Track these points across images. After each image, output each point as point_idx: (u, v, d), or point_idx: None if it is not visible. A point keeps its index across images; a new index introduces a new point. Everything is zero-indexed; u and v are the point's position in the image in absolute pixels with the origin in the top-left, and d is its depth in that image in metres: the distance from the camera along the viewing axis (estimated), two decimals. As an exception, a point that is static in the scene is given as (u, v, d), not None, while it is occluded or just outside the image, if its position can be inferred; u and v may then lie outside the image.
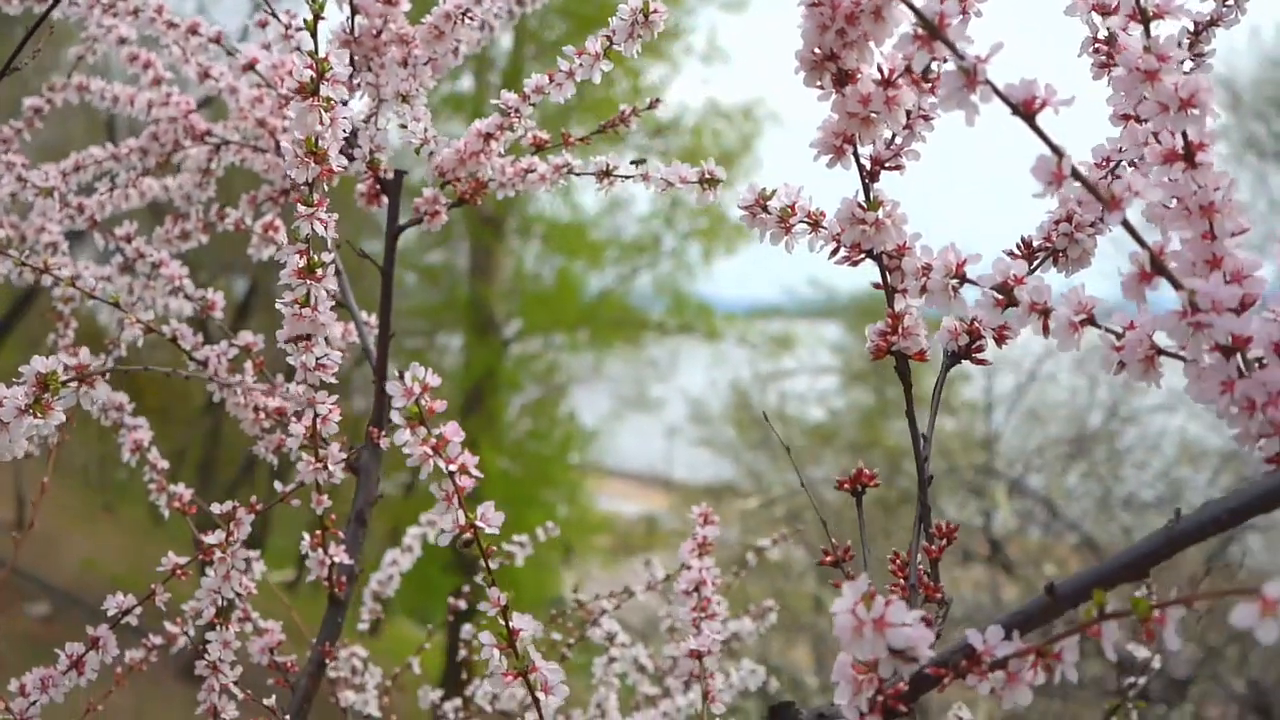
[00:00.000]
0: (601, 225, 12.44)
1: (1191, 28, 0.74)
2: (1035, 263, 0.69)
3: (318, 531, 0.96)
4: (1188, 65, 0.73)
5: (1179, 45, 0.73)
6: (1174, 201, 0.56)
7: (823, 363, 9.63)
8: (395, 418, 0.61)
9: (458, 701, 1.35)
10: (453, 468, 0.62)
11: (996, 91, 0.50)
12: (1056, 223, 0.69)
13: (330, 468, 0.90)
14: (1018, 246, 0.69)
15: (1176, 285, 0.51)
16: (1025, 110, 0.51)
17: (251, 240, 1.20)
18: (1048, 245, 0.69)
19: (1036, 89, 0.51)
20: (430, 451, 0.62)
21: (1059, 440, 6.68)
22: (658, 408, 12.37)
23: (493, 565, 0.67)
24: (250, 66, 1.05)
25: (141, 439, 1.11)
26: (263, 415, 1.03)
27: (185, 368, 1.10)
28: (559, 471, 11.11)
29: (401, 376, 0.61)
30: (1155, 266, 0.52)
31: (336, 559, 0.97)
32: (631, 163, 0.91)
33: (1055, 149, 0.51)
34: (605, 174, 0.95)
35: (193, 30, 1.11)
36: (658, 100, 1.02)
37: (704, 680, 0.94)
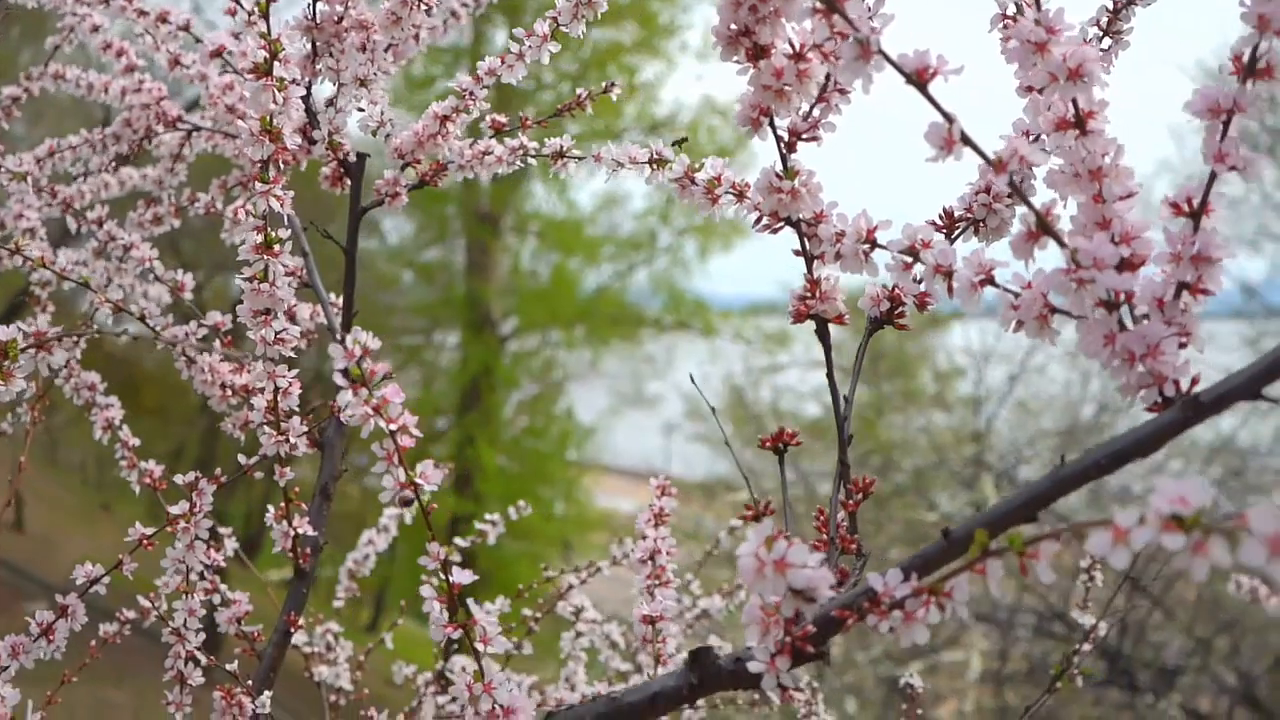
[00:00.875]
0: (597, 222, 12.47)
1: (1111, 5, 0.77)
2: (956, 232, 0.72)
3: (282, 504, 0.99)
4: (1106, 43, 0.75)
5: (1097, 24, 0.76)
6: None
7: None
8: (338, 378, 0.64)
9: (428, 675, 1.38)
10: (394, 427, 0.65)
11: (890, 61, 0.53)
12: (976, 193, 0.72)
13: (293, 440, 0.93)
14: (939, 216, 0.72)
15: (1061, 244, 0.54)
16: (918, 79, 0.54)
17: (224, 225, 1.23)
18: (968, 215, 0.72)
19: (929, 59, 0.54)
20: (371, 412, 0.65)
21: (1050, 433, 6.71)
22: (654, 404, 12.40)
23: (464, 544, 0.70)
24: (218, 53, 1.08)
25: (112, 417, 1.13)
26: (229, 392, 1.06)
27: (154, 346, 1.12)
28: (556, 468, 11.14)
29: (343, 341, 0.64)
30: (1041, 226, 0.55)
31: (300, 531, 1.00)
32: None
33: (946, 116, 0.54)
34: (559, 155, 0.98)
35: (162, 19, 1.13)
36: (613, 84, 1.05)
37: (655, 645, 0.97)
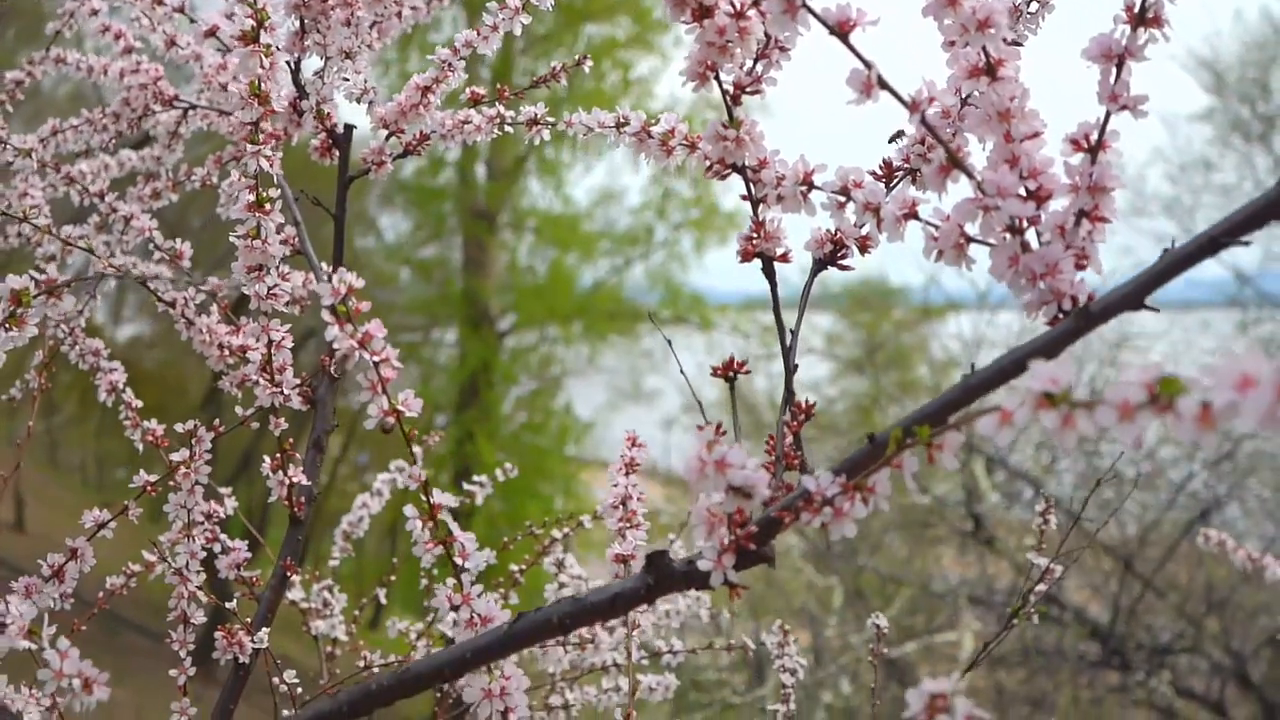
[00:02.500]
0: (594, 217, 12.53)
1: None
2: (895, 180, 0.78)
3: (277, 455, 1.05)
4: (1033, 6, 0.81)
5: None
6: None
7: (813, 345, 9.72)
8: (326, 314, 0.70)
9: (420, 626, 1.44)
10: (377, 359, 0.72)
11: (813, 14, 0.59)
12: (913, 144, 0.78)
13: (286, 391, 0.99)
14: (879, 166, 0.78)
15: (970, 176, 0.60)
16: (841, 30, 0.60)
17: (219, 199, 1.29)
18: (906, 165, 0.78)
19: (849, 13, 0.60)
20: (356, 345, 0.71)
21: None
22: (652, 399, 12.46)
23: (453, 504, 0.76)
24: (211, 33, 1.14)
25: (116, 380, 1.19)
26: (226, 352, 1.12)
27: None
28: (555, 464, 11.20)
29: (330, 279, 0.70)
30: (952, 160, 0.61)
31: (295, 480, 1.06)
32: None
33: (866, 63, 0.60)
34: (534, 122, 1.04)
35: (158, 1, 1.19)
36: (585, 57, 1.11)
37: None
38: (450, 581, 0.75)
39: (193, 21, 1.18)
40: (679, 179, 11.87)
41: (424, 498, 0.74)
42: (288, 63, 0.99)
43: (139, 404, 1.20)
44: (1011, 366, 0.58)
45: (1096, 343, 8.06)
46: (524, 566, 1.41)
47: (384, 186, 10.59)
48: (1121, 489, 6.75)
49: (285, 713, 1.05)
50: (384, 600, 1.50)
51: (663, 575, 0.66)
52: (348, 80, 1.01)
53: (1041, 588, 1.16)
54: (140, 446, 1.17)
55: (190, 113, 1.29)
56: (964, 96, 0.68)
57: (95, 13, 1.29)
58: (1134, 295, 0.56)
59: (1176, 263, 0.55)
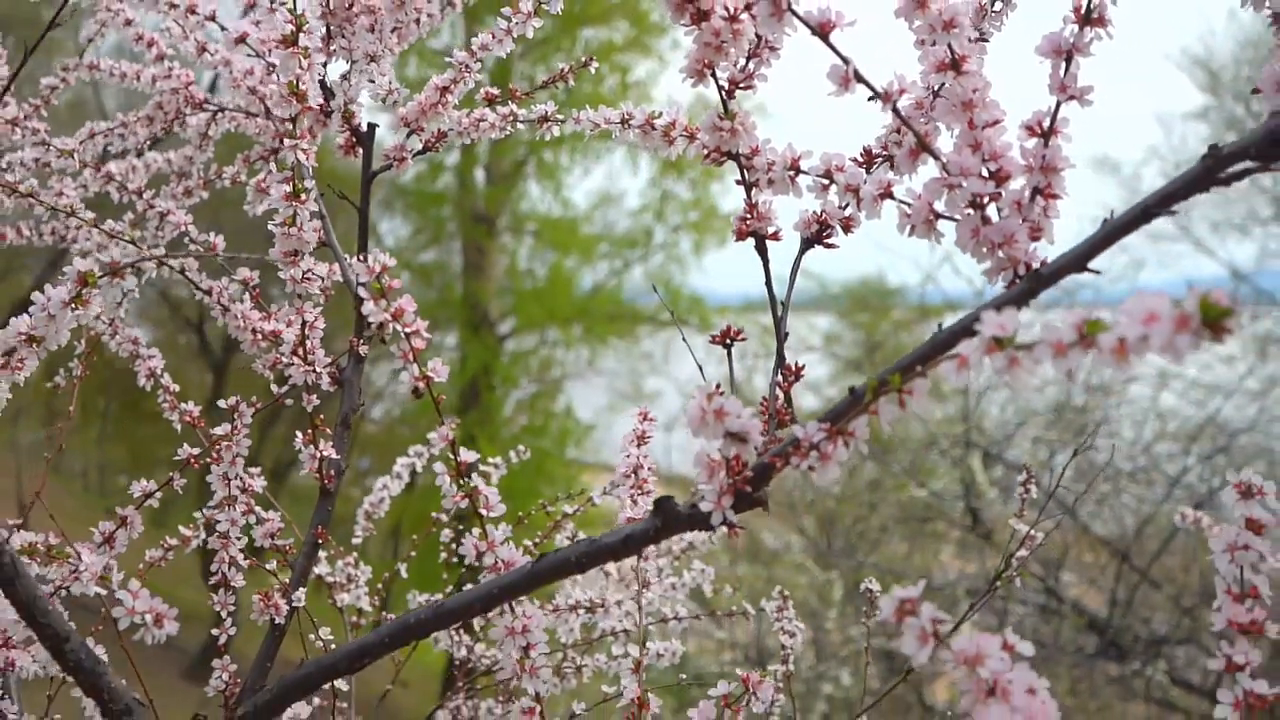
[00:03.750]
0: (593, 220, 12.62)
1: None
2: (874, 165, 0.86)
3: (309, 430, 1.13)
4: (997, 5, 0.90)
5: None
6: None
7: (812, 343, 9.81)
8: (362, 290, 0.78)
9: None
10: (409, 330, 0.80)
11: (798, 16, 0.67)
12: (889, 133, 0.86)
13: (318, 370, 1.08)
14: (861, 153, 0.86)
15: (937, 158, 0.69)
16: (822, 31, 0.68)
17: (247, 195, 1.37)
18: (884, 152, 0.86)
19: (829, 15, 0.68)
20: (390, 318, 0.80)
21: (1038, 413, 6.85)
22: (653, 400, 12.54)
23: (476, 474, 0.84)
24: (241, 39, 1.22)
25: (155, 366, 1.28)
26: (259, 336, 1.20)
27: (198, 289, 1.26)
28: (556, 466, 11.26)
29: (364, 258, 0.78)
30: (920, 145, 0.69)
31: (326, 454, 1.14)
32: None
33: (844, 59, 0.68)
34: (545, 119, 1.12)
35: (191, 10, 1.27)
36: (591, 59, 1.19)
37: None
38: (476, 531, 0.83)
39: (224, 29, 1.26)
40: (677, 181, 11.94)
41: (452, 456, 0.82)
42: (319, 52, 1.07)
43: (175, 388, 1.29)
44: (971, 322, 0.66)
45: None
46: (538, 541, 1.49)
47: (384, 192, 10.67)
48: (1118, 483, 6.84)
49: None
50: (404, 574, 1.58)
51: (669, 517, 0.74)
52: (373, 82, 1.10)
53: (1023, 553, 1.24)
54: (178, 427, 1.25)
55: (219, 115, 1.38)
56: (934, 89, 0.76)
57: (129, 23, 1.37)
58: (1078, 260, 0.64)
59: (1115, 230, 0.63)
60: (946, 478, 6.19)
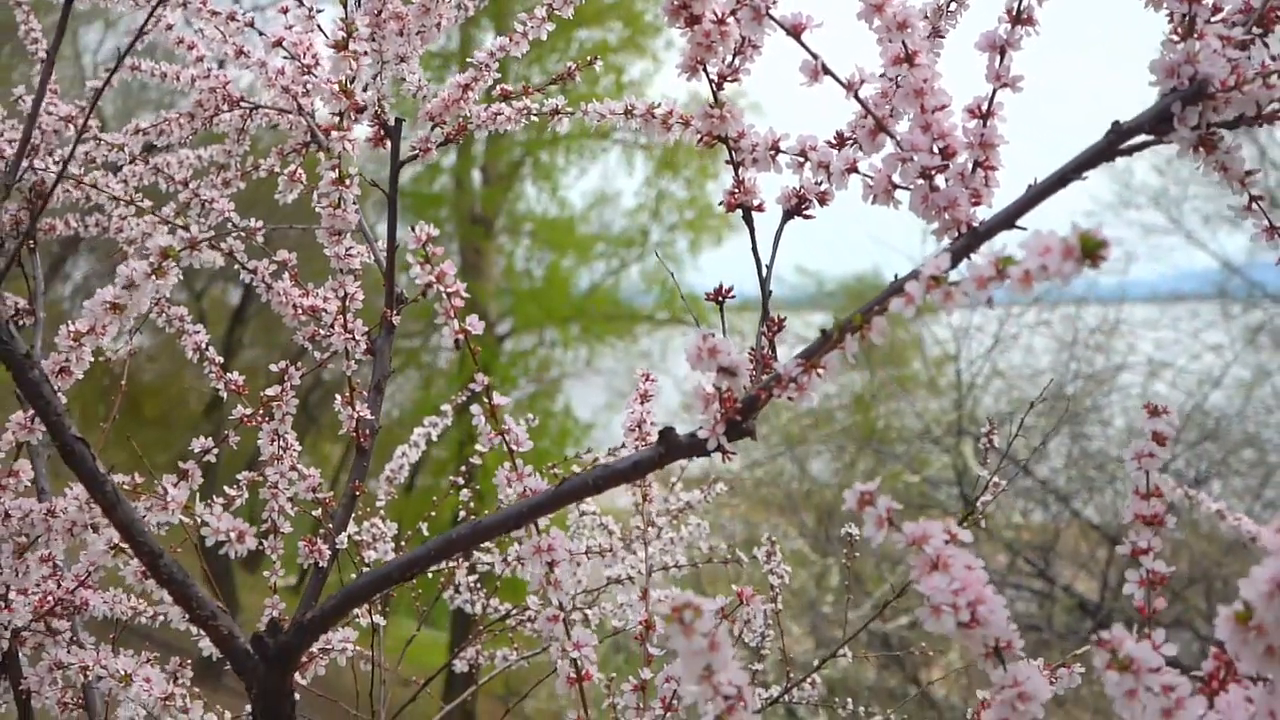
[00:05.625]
0: (589, 220, 12.74)
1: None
2: (845, 146, 0.99)
3: (347, 393, 1.27)
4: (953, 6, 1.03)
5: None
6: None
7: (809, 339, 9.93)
8: (410, 256, 0.92)
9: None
10: (450, 290, 0.93)
11: (774, 20, 0.81)
12: (857, 118, 0.99)
13: (356, 337, 1.21)
14: (834, 136, 1.00)
15: (892, 137, 0.82)
16: (795, 31, 0.81)
17: (279, 185, 1.51)
18: (853, 134, 0.99)
19: (801, 18, 0.81)
20: (434, 280, 0.93)
21: (1029, 399, 7.00)
22: (651, 399, 12.63)
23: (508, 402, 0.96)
24: (278, 43, 1.35)
25: (200, 340, 1.41)
26: (299, 311, 1.33)
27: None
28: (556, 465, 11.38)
29: (412, 228, 0.92)
30: (878, 126, 0.83)
31: (361, 414, 1.28)
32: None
33: (814, 55, 0.82)
34: (555, 113, 1.26)
35: (230, 17, 1.41)
36: (595, 58, 1.32)
37: (643, 488, 1.25)
38: (506, 464, 0.97)
39: (261, 35, 1.40)
40: (673, 180, 12.07)
41: (487, 400, 0.96)
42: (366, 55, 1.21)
43: (219, 359, 1.42)
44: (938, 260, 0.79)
45: (1084, 332, 8.30)
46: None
47: (379, 194, 10.80)
48: (1107, 469, 6.99)
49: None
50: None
51: (671, 445, 0.88)
52: (404, 81, 1.23)
53: (987, 497, 1.37)
54: (224, 395, 1.38)
55: (254, 112, 1.51)
56: (894, 79, 0.89)
57: (171, 27, 1.50)
58: (1007, 219, 0.78)
59: (1037, 194, 0.77)
60: (939, 465, 6.34)
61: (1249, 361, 8.25)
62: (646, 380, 1.28)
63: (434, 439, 1.79)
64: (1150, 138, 0.75)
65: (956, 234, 0.81)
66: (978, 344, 7.82)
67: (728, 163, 0.95)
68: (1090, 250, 0.58)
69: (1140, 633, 0.77)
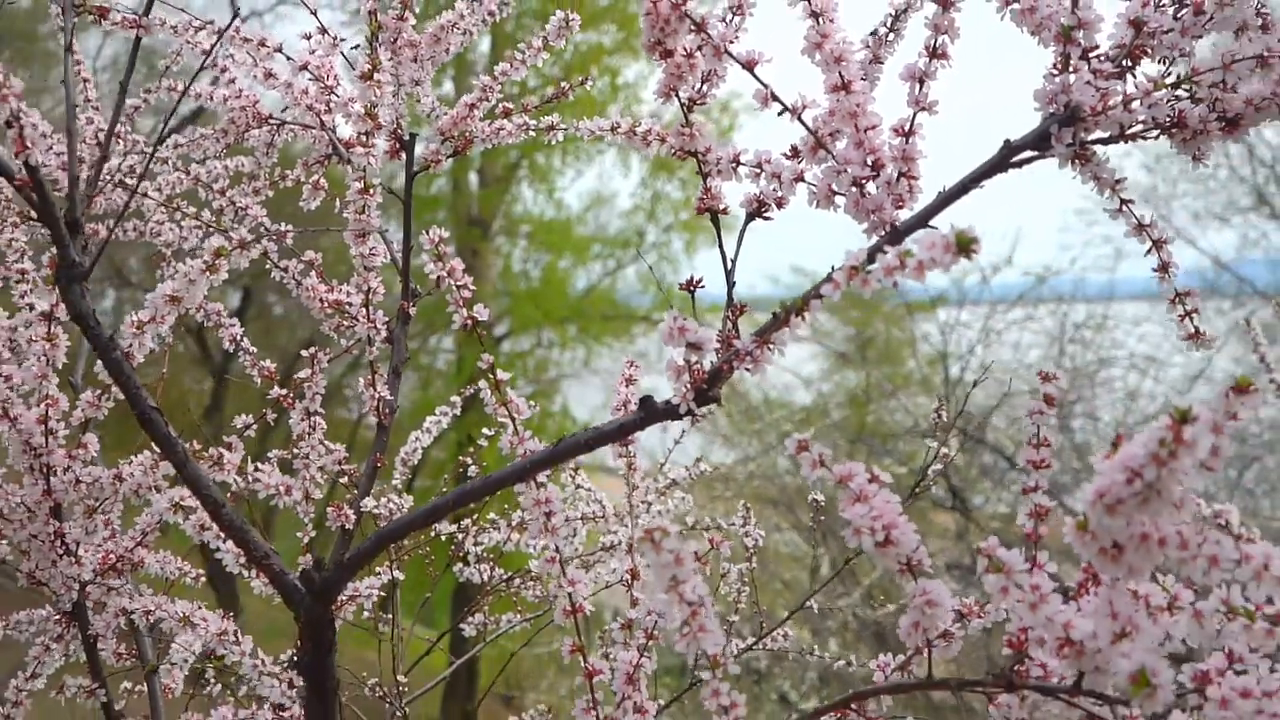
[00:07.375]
0: (586, 222, 12.91)
1: (892, 13, 1.21)
2: (799, 159, 1.16)
3: (369, 376, 1.44)
4: (891, 36, 1.20)
5: (885, 27, 1.20)
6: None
7: (803, 335, 10.11)
8: (425, 253, 1.09)
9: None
10: (459, 283, 1.10)
11: (731, 55, 0.98)
12: (804, 138, 1.16)
13: (378, 326, 1.38)
14: (789, 149, 1.17)
15: (829, 152, 0.99)
16: (748, 65, 0.99)
17: (303, 193, 1.68)
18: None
19: (754, 53, 0.99)
20: (445, 274, 1.10)
21: (1020, 394, 7.17)
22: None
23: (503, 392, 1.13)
24: (304, 67, 1.52)
25: (235, 333, 1.58)
26: (325, 304, 1.50)
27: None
28: (555, 466, 11.52)
29: (426, 231, 1.09)
30: (818, 143, 1.00)
31: (383, 394, 1.45)
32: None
33: (764, 84, 0.99)
34: (552, 128, 1.43)
35: (262, 43, 1.58)
36: (587, 78, 1.50)
37: (629, 457, 1.42)
38: (510, 429, 1.14)
39: (288, 59, 1.57)
40: (668, 181, 12.24)
41: (493, 376, 1.13)
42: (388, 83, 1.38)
43: (253, 350, 1.59)
44: (886, 241, 0.96)
45: (1071, 330, 8.48)
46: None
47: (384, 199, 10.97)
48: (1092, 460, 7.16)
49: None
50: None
51: (650, 410, 1.05)
52: (419, 103, 1.40)
53: (937, 467, 1.54)
54: (258, 381, 1.55)
55: (281, 128, 1.68)
56: (833, 103, 1.06)
57: (206, 53, 1.67)
58: (919, 221, 0.95)
59: (942, 201, 0.94)
60: (924, 456, 6.51)
61: (1237, 358, 8.43)
62: (631, 366, 1.45)
63: (445, 426, 1.96)
64: (1035, 153, 0.93)
65: (883, 232, 0.99)
66: (966, 341, 8.00)
67: (696, 173, 1.12)
68: (964, 245, 0.75)
69: (1028, 555, 0.94)
